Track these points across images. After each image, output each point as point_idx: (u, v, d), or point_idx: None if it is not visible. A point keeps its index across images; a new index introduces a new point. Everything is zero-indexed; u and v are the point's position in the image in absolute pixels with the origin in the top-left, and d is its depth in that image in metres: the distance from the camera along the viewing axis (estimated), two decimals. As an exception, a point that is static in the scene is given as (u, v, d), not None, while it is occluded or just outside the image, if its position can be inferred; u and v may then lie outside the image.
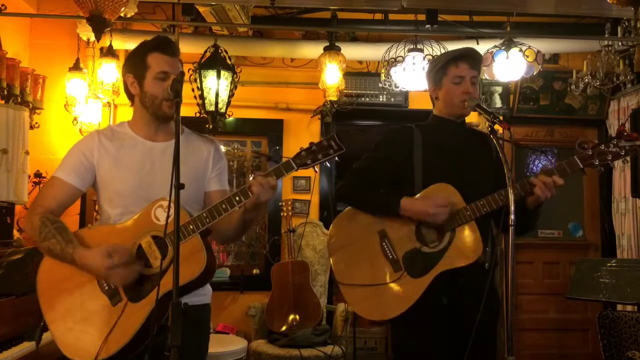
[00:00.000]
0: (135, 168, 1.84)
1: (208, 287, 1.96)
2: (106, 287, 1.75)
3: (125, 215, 1.82)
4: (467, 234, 1.99)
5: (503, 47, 3.74)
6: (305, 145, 1.76)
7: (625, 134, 1.90)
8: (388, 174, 2.14)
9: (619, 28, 3.76)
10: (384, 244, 2.06)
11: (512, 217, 1.76)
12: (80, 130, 4.04)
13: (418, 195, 2.05)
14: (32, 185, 3.89)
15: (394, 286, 2.01)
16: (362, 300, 2.07)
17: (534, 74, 3.86)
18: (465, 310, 2.00)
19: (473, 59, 2.15)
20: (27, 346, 2.53)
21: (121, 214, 1.82)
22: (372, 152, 2.21)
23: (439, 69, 2.16)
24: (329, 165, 1.79)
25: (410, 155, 2.11)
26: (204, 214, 1.72)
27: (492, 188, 2.04)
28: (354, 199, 2.17)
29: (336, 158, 1.77)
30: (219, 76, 3.71)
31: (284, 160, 1.77)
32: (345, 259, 2.12)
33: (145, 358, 1.64)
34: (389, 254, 2.05)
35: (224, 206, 1.73)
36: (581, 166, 1.94)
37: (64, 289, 1.78)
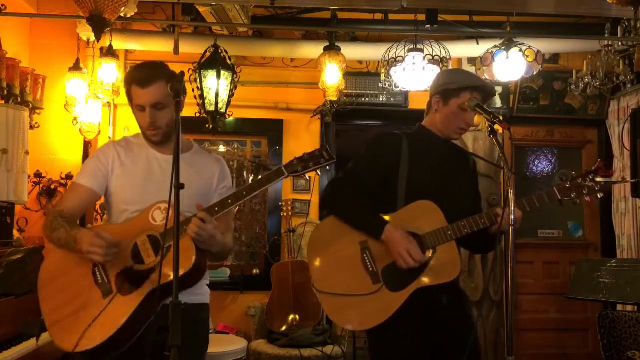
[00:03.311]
0: (143, 178, 1.94)
1: (205, 288, 2.03)
2: (100, 281, 1.83)
3: None
4: (447, 254, 2.02)
5: (503, 47, 3.74)
6: (304, 146, 1.86)
7: (602, 170, 2.01)
8: (374, 182, 2.12)
9: (619, 28, 3.76)
10: (365, 255, 2.06)
11: (512, 217, 1.77)
12: (80, 130, 4.04)
13: (402, 210, 2.07)
14: (32, 185, 3.89)
15: (372, 298, 2.02)
16: (339, 310, 2.07)
17: (534, 74, 3.86)
18: (440, 321, 2.07)
19: (488, 95, 2.18)
20: (27, 346, 2.53)
21: (127, 219, 1.92)
22: (360, 159, 2.18)
23: (454, 89, 2.12)
24: (319, 173, 1.89)
25: (397, 164, 2.11)
26: (198, 215, 1.80)
27: (472, 205, 2.13)
28: (338, 211, 2.14)
29: (327, 168, 1.89)
30: (219, 76, 3.70)
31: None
32: (325, 266, 2.11)
33: (147, 358, 1.67)
34: (369, 266, 2.04)
35: (216, 208, 1.83)
36: (559, 197, 2.02)
37: (61, 283, 1.87)
